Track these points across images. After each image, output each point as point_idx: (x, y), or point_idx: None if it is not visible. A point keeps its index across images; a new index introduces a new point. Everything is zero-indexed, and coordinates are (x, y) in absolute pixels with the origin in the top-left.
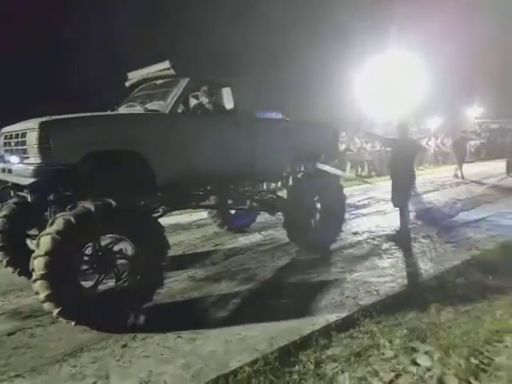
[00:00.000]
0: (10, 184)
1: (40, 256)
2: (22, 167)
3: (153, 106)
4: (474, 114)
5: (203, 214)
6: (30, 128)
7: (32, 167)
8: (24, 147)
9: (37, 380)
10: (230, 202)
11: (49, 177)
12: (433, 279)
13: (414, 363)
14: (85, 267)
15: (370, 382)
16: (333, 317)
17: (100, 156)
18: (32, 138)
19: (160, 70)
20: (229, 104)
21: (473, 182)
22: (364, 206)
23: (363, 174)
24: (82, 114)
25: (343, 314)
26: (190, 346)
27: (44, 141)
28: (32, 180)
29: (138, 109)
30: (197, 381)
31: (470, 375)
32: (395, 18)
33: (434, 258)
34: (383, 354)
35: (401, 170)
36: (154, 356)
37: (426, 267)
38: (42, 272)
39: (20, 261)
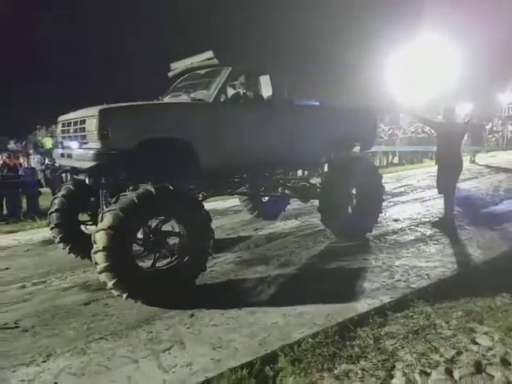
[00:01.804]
0: (68, 168)
1: (103, 230)
2: (82, 152)
3: (197, 95)
4: (507, 99)
5: (237, 201)
6: (89, 115)
7: (92, 152)
8: (83, 133)
9: (119, 342)
10: (262, 189)
11: (107, 161)
12: (484, 264)
13: (474, 342)
14: (140, 248)
15: (432, 358)
16: (386, 298)
17: (151, 142)
18: (92, 124)
19: (203, 60)
20: (267, 92)
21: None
22: (401, 194)
23: (394, 161)
24: (137, 103)
25: (397, 296)
26: (252, 318)
27: (103, 127)
28: (92, 164)
29: (184, 98)
30: (264, 348)
31: None
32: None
33: (482, 244)
34: (441, 333)
35: (449, 155)
36: (220, 325)
37: (474, 253)
38: (103, 244)
39: (71, 239)
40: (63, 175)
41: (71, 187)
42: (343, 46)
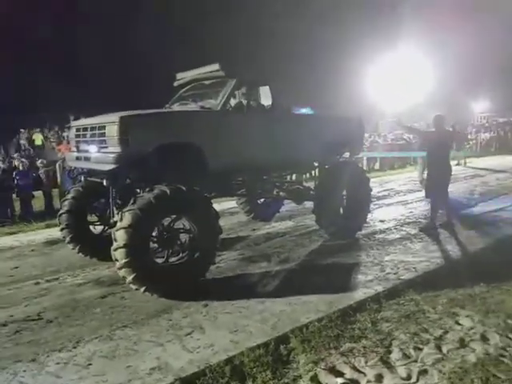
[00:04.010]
0: (85, 170)
1: (123, 228)
2: (101, 155)
3: (205, 104)
4: (479, 108)
5: (231, 204)
6: (109, 121)
7: (112, 155)
8: (103, 138)
9: (142, 329)
10: (259, 191)
11: (126, 164)
12: (463, 259)
13: (458, 323)
14: (154, 245)
15: (423, 336)
16: (380, 288)
17: (167, 147)
18: (112, 130)
19: (210, 72)
20: (267, 101)
21: (487, 174)
22: (385, 197)
23: (375, 167)
24: (155, 110)
25: (388, 286)
26: (262, 306)
27: (124, 133)
28: (111, 166)
29: (192, 106)
30: (277, 331)
31: (509, 332)
32: (406, 13)
33: (461, 241)
34: (429, 317)
35: (439, 161)
36: (234, 313)
37: (455, 249)
38: (123, 242)
39: (81, 239)
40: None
41: (80, 189)
42: (335, 61)
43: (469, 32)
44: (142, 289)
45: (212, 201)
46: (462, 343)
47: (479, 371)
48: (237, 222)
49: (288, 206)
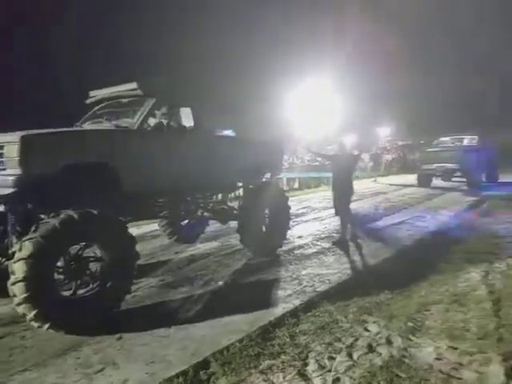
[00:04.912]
0: None
1: (22, 259)
2: None
3: (122, 123)
4: (384, 133)
5: (152, 227)
6: (8, 141)
7: (11, 178)
8: (0, 159)
9: (45, 371)
10: (183, 212)
11: (26, 188)
12: (370, 269)
13: (366, 330)
14: (60, 276)
15: (336, 345)
16: (298, 301)
17: (74, 168)
18: (12, 150)
19: (127, 90)
20: (188, 122)
21: (389, 191)
22: (303, 214)
23: (295, 186)
24: (60, 130)
25: (305, 299)
26: (182, 333)
27: (24, 153)
28: (10, 190)
29: (107, 125)
30: (197, 357)
31: (409, 334)
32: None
33: (368, 253)
34: (341, 326)
35: (342, 181)
36: (151, 343)
37: (363, 260)
38: (23, 274)
39: None
40: None
41: None
42: (257, 86)
43: (376, 69)
44: (46, 326)
45: (131, 224)
46: (370, 348)
47: (385, 373)
48: (158, 246)
49: (213, 226)
